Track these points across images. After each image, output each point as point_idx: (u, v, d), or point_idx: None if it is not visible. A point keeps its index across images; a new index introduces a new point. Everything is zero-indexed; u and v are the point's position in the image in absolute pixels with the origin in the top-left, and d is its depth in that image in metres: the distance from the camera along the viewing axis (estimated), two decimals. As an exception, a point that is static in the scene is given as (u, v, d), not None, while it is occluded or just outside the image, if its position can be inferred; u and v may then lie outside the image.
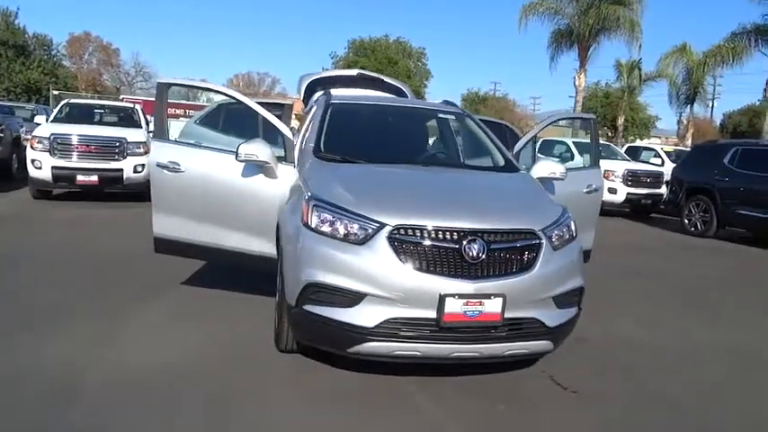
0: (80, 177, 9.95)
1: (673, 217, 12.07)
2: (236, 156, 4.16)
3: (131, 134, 10.61)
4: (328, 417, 3.12)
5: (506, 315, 3.17)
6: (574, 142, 14.57)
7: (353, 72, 6.80)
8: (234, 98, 4.67)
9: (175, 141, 4.67)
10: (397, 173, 4.02)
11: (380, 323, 3.13)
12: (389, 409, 3.25)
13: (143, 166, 10.36)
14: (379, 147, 4.47)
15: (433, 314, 3.12)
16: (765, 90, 21.36)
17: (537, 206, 3.67)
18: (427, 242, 3.15)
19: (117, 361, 3.60)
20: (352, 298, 3.16)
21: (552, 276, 3.34)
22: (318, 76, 6.67)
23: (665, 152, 15.42)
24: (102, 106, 13.48)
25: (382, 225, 3.18)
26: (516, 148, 4.86)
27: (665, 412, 3.45)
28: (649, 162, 14.93)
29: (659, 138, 53.76)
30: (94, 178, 10.02)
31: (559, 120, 5.80)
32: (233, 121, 5.74)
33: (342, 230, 3.26)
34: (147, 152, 10.62)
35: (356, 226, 3.23)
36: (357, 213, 3.26)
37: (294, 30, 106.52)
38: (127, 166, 10.22)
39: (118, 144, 10.25)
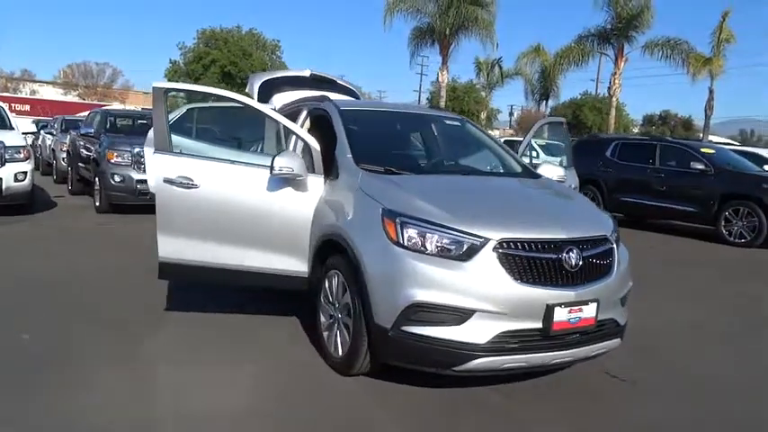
0: (-54, 190, 8.39)
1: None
2: (271, 169, 3.85)
3: (8, 137, 9.12)
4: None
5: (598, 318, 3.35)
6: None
7: (306, 73, 6.54)
8: (246, 105, 4.27)
9: (181, 153, 4.16)
10: (458, 184, 4.00)
11: (491, 338, 3.12)
12: (490, 417, 3.28)
13: (25, 173, 9.04)
14: (415, 156, 4.40)
15: (538, 324, 3.17)
16: (609, 87, 24.23)
17: (596, 213, 3.88)
18: (530, 254, 3.19)
19: (181, 413, 3.16)
20: (462, 315, 3.11)
21: (623, 278, 3.57)
22: (271, 77, 6.33)
23: (539, 146, 16.80)
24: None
25: (486, 240, 3.15)
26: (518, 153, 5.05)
27: (715, 385, 3.91)
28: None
29: (497, 129, 58.61)
30: (-34, 189, 8.52)
31: (544, 124, 6.13)
32: (207, 126, 5.25)
33: (439, 246, 3.18)
34: (28, 158, 9.30)
35: (456, 241, 3.17)
36: (455, 228, 3.19)
37: (137, 16, 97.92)
38: (6, 175, 8.77)
39: (-6, 149, 8.78)
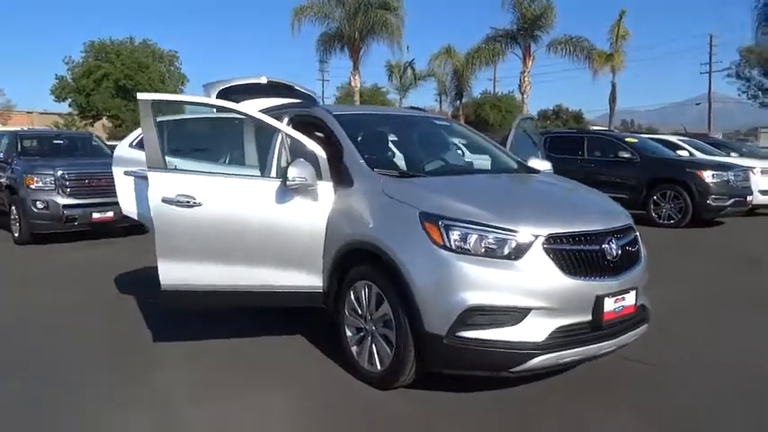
0: None
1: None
2: (285, 180, 3.64)
3: None
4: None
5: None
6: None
7: (262, 80, 6.28)
8: (247, 115, 3.99)
9: (176, 169, 3.81)
10: (476, 183, 3.96)
11: (549, 335, 3.09)
12: (541, 412, 3.28)
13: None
14: (420, 158, 4.31)
15: (588, 317, 3.19)
16: (520, 86, 25.32)
17: (614, 204, 3.95)
18: (576, 248, 3.19)
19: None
20: (518, 315, 3.06)
21: (646, 265, 3.68)
22: (229, 85, 6.02)
23: (463, 144, 17.22)
24: None
25: (535, 236, 3.12)
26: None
27: (723, 359, 4.09)
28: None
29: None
30: None
31: (521, 120, 6.20)
32: (180, 140, 4.86)
33: (486, 246, 3.12)
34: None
35: (504, 240, 3.11)
36: (502, 227, 3.13)
37: (16, 29, 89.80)
38: None
39: None
